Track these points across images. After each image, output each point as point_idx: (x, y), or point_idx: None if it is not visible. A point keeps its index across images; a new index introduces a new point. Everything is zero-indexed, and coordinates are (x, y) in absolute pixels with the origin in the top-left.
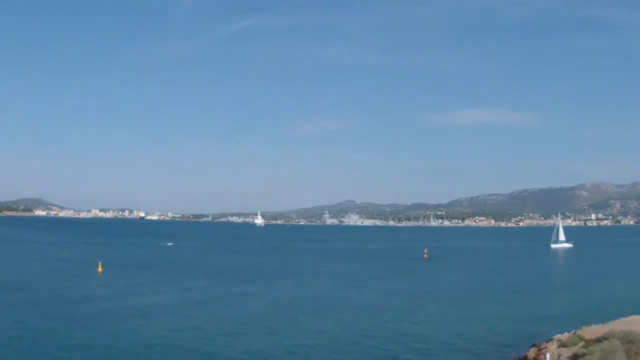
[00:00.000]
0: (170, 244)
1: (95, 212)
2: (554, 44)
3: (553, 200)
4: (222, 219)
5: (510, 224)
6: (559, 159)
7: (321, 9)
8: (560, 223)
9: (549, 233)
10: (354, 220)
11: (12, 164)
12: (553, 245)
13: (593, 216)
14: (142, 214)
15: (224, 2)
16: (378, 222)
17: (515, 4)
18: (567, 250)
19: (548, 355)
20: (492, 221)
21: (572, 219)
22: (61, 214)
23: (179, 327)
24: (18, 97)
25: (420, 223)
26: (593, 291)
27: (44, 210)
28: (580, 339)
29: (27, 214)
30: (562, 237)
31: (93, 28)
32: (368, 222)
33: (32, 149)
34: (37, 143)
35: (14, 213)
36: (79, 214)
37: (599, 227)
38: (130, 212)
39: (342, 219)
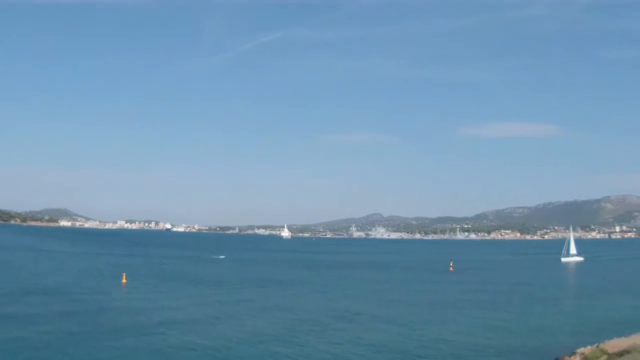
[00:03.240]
0: (222, 256)
1: (121, 223)
2: (579, 56)
3: (578, 213)
4: (249, 231)
5: (535, 237)
6: (584, 171)
7: (349, 23)
8: (572, 236)
9: (577, 245)
10: (380, 233)
11: (38, 175)
12: (563, 259)
13: (617, 228)
14: (168, 226)
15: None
16: (405, 235)
17: (539, 17)
18: (577, 263)
19: None
20: (518, 234)
21: (597, 231)
22: (86, 225)
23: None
24: (45, 109)
25: (446, 236)
26: (605, 305)
27: (69, 221)
28: (603, 352)
29: (52, 224)
30: (573, 250)
31: (124, 46)
32: (395, 235)
33: (58, 159)
34: (62, 154)
35: (38, 223)
36: (105, 225)
37: (623, 240)
38: (157, 223)
39: (369, 232)
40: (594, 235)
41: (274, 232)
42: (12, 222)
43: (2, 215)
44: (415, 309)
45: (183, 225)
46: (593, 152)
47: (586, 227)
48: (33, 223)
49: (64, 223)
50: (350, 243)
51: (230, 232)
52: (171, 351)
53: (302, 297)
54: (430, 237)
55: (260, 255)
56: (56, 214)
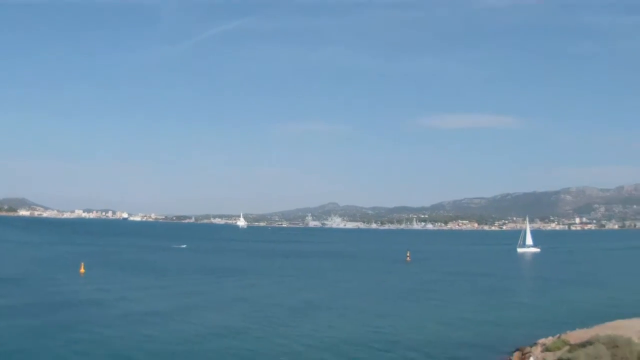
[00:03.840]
0: (184, 246)
1: (79, 213)
2: (540, 50)
3: (537, 204)
4: (205, 221)
5: (494, 228)
6: (543, 163)
7: (310, 14)
8: (528, 227)
9: (535, 236)
10: (336, 222)
11: None
12: (519, 250)
13: (577, 220)
14: (125, 215)
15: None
16: (361, 225)
17: (500, 10)
18: (533, 254)
19: (532, 359)
20: (476, 225)
21: (556, 222)
22: (45, 214)
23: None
24: (6, 100)
25: (403, 226)
26: (564, 297)
27: (27, 210)
28: (565, 343)
29: (10, 213)
30: (529, 241)
31: (82, 35)
32: (351, 225)
33: (16, 149)
34: (21, 144)
35: None
36: (63, 215)
37: (582, 231)
38: (114, 212)
39: (325, 222)
40: (554, 226)
41: (230, 222)
42: None
43: None
44: (372, 299)
45: (140, 214)
46: (553, 144)
47: (545, 219)
48: None
49: (23, 212)
50: (306, 232)
51: (186, 221)
52: (129, 344)
53: (260, 288)
54: (386, 226)
55: (218, 244)
56: (15, 204)
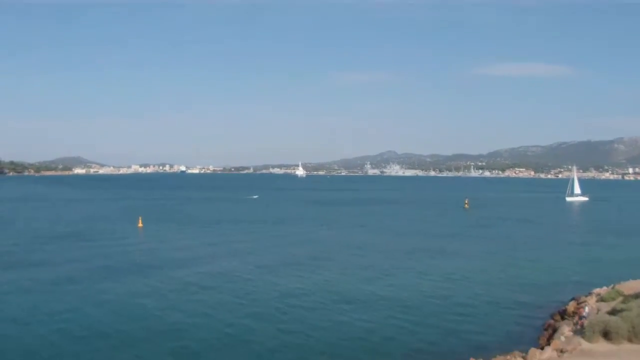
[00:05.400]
0: (255, 196)
1: (136, 168)
2: None
3: (591, 153)
4: (264, 171)
5: (549, 176)
6: (597, 113)
7: None
8: (576, 176)
9: (587, 185)
10: (395, 170)
11: (51, 125)
12: (568, 198)
13: (630, 170)
14: (182, 168)
15: None
16: (419, 173)
17: None
18: (582, 203)
19: (587, 309)
20: (532, 172)
21: (610, 172)
22: (101, 171)
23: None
24: (53, 60)
25: (461, 174)
26: (616, 247)
27: (83, 169)
28: (619, 294)
29: (66, 172)
30: (577, 190)
31: None
32: (409, 173)
33: (70, 109)
34: (74, 104)
35: (52, 172)
36: (119, 170)
37: (635, 182)
38: (171, 166)
39: (384, 170)
40: (607, 176)
41: (288, 171)
42: (26, 173)
43: (16, 167)
44: (437, 245)
45: (197, 166)
46: (607, 93)
47: (599, 168)
48: (47, 173)
49: (78, 171)
50: (365, 180)
51: (244, 171)
52: (192, 289)
53: (332, 233)
54: (444, 174)
55: (281, 194)
56: (70, 163)
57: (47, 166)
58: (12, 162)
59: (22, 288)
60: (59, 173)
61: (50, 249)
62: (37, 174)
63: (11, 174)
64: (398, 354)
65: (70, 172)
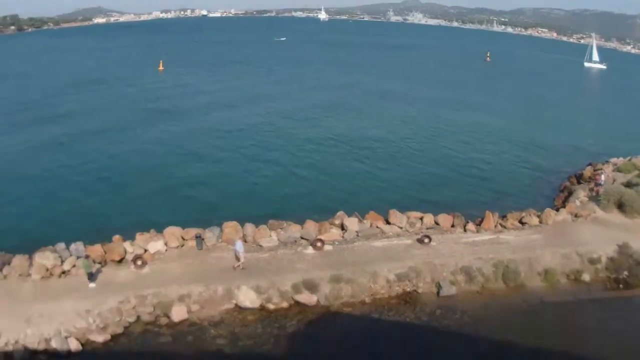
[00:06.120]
0: (283, 39)
1: (156, 14)
2: None
3: (614, 25)
4: (286, 14)
5: (572, 40)
6: None
7: None
8: (595, 43)
9: (607, 54)
10: (418, 18)
11: None
12: (586, 64)
13: None
14: (204, 12)
15: None
16: (442, 22)
17: None
18: (600, 70)
19: (603, 177)
20: (555, 34)
21: (632, 46)
22: (121, 19)
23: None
24: None
25: (483, 27)
26: (630, 119)
27: (103, 18)
28: (635, 167)
29: (86, 23)
30: (595, 57)
31: None
32: (432, 22)
33: None
34: None
35: (72, 24)
36: (140, 17)
37: None
38: (192, 11)
39: (407, 17)
40: (629, 49)
41: (311, 15)
42: (45, 27)
43: (35, 22)
44: (458, 96)
45: (219, 10)
46: None
47: (622, 40)
48: (67, 25)
49: (99, 20)
50: (389, 27)
51: (267, 15)
52: (215, 134)
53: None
54: (467, 26)
55: (304, 37)
56: (90, 13)
57: (67, 18)
58: (31, 19)
59: (52, 139)
60: (78, 24)
61: (74, 98)
62: (56, 27)
63: (30, 30)
64: (417, 202)
65: (91, 22)
